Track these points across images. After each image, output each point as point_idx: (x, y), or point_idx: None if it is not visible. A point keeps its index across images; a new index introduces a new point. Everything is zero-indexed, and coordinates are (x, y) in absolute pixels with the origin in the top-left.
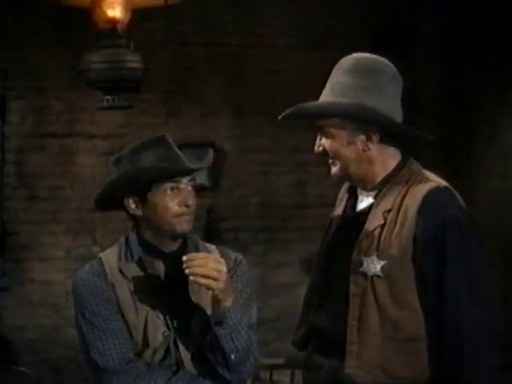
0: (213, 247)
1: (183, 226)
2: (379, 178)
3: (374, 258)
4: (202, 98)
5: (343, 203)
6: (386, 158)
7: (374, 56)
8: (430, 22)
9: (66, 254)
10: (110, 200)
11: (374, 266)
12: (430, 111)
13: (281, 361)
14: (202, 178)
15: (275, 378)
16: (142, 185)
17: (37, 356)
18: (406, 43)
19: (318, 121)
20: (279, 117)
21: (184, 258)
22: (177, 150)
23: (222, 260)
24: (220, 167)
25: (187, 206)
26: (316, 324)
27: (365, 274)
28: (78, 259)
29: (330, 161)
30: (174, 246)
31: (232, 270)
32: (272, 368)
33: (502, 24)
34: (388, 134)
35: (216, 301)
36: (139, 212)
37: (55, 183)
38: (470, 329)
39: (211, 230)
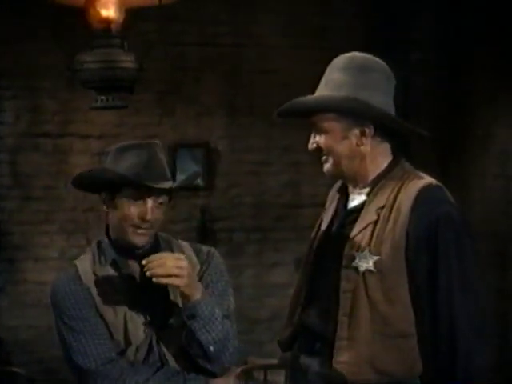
0: (185, 244)
1: (135, 238)
2: (371, 176)
3: (367, 253)
4: (196, 98)
5: (334, 203)
6: (378, 155)
7: (367, 54)
8: (424, 22)
9: (60, 255)
10: (88, 186)
11: (367, 261)
12: (424, 110)
13: (275, 361)
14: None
15: (269, 378)
16: (112, 185)
17: (30, 356)
18: (400, 43)
19: (311, 117)
20: (274, 113)
21: (143, 261)
22: (161, 160)
23: (181, 256)
24: (214, 167)
25: (144, 220)
26: (304, 322)
27: (357, 269)
28: (72, 259)
29: (323, 158)
30: (145, 246)
31: (205, 263)
32: (266, 368)
33: (499, 24)
34: (381, 129)
35: (184, 296)
36: (106, 209)
37: (49, 183)
38: (462, 324)
39: (205, 230)
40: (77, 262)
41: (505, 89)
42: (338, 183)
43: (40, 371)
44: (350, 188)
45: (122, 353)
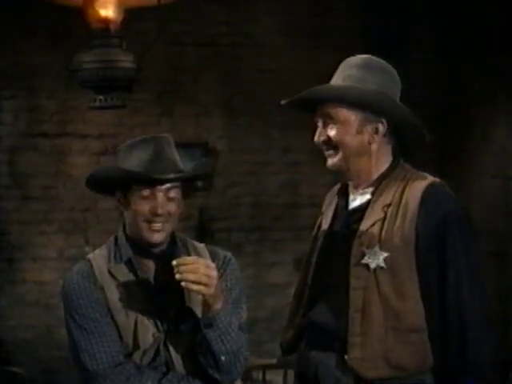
0: (201, 246)
1: (150, 234)
2: (374, 175)
3: (377, 249)
4: (194, 97)
5: (333, 205)
6: (382, 156)
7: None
8: (424, 22)
9: (59, 254)
10: (101, 186)
11: (377, 257)
12: (423, 110)
13: (274, 361)
14: None
15: (268, 377)
16: (122, 184)
17: (29, 356)
18: (399, 43)
19: (327, 107)
20: (299, 95)
21: (174, 262)
22: (170, 152)
23: (211, 265)
24: (213, 166)
25: (156, 214)
26: (312, 320)
27: (367, 266)
28: (71, 259)
29: (330, 152)
30: (162, 245)
31: (221, 269)
32: (265, 368)
33: (499, 24)
34: (392, 129)
35: (206, 305)
36: (122, 208)
37: (48, 183)
38: (471, 315)
39: (204, 229)
40: (91, 258)
41: (503, 89)
42: (336, 186)
43: (39, 371)
44: (351, 188)
45: (129, 355)
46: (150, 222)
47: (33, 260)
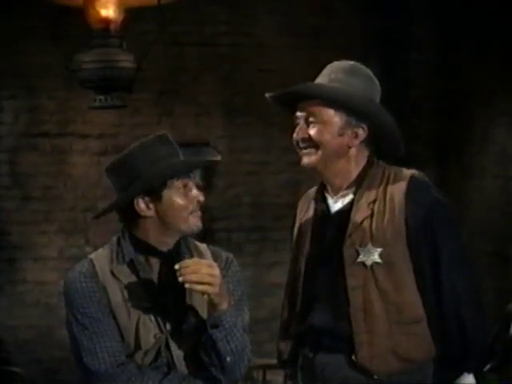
0: (204, 246)
1: (197, 222)
2: (352, 177)
3: (370, 247)
4: (194, 97)
5: (310, 211)
6: (361, 160)
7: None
8: (424, 22)
9: (59, 254)
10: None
11: (372, 254)
12: (422, 111)
13: (274, 361)
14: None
15: (268, 377)
16: (159, 183)
17: (29, 356)
18: (400, 43)
19: (313, 104)
20: (288, 89)
21: (176, 266)
22: (177, 146)
23: (214, 264)
24: (213, 167)
25: (199, 202)
26: (312, 324)
27: (363, 264)
28: (71, 259)
29: (309, 150)
30: (171, 246)
31: (223, 271)
32: (265, 368)
33: (499, 24)
34: (371, 137)
35: (212, 305)
36: (150, 212)
37: (48, 183)
38: (466, 296)
39: (204, 229)
40: (93, 257)
41: (504, 89)
42: (310, 191)
43: (39, 371)
44: (330, 192)
45: (131, 356)
46: (193, 212)
47: (33, 260)
